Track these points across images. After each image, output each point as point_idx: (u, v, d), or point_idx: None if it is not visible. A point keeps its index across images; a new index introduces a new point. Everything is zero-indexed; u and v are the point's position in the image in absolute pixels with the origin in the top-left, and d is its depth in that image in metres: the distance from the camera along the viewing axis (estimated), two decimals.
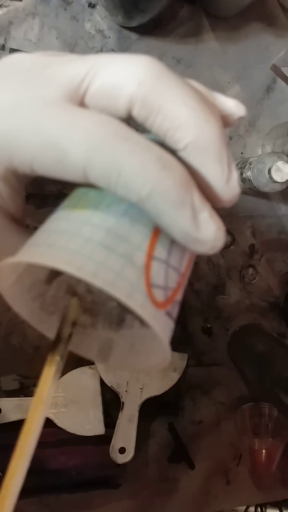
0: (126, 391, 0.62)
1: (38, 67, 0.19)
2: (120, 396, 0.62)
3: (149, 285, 0.18)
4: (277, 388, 0.61)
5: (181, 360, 0.65)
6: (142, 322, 0.24)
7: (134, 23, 0.61)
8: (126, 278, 0.18)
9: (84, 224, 0.19)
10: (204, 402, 0.69)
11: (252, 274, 0.71)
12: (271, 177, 0.55)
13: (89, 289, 0.24)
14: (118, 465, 0.60)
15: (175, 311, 0.20)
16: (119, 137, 0.18)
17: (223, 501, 0.68)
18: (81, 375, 0.62)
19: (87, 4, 0.62)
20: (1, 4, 0.60)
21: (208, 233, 0.18)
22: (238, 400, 0.69)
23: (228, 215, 0.68)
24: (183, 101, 0.18)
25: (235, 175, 0.19)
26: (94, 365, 0.62)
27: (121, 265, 0.18)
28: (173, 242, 0.20)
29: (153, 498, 0.65)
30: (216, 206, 0.20)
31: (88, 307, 0.24)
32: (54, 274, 0.24)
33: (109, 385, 0.62)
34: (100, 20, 0.62)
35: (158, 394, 0.63)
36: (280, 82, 0.68)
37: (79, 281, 0.24)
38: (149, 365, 0.22)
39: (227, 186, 0.19)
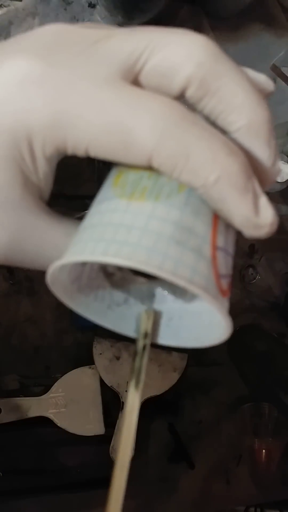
0: (126, 391, 0.62)
1: (85, 40, 0.18)
2: (120, 396, 0.62)
3: (218, 276, 0.19)
4: (277, 388, 0.61)
5: (181, 360, 0.65)
6: (175, 297, 0.25)
7: (134, 23, 0.61)
8: (201, 273, 0.18)
9: (149, 217, 0.18)
10: (204, 402, 0.69)
11: (252, 274, 0.71)
12: None
13: (119, 267, 0.24)
14: None
15: (230, 293, 0.21)
16: (188, 122, 0.17)
17: (223, 501, 0.68)
18: (81, 375, 0.62)
19: (87, 4, 0.62)
20: (1, 4, 0.60)
21: (266, 217, 0.18)
22: (238, 400, 0.69)
23: None
24: (239, 84, 0.18)
25: (278, 157, 0.20)
26: (94, 365, 0.62)
27: (194, 260, 0.18)
28: (227, 228, 0.20)
29: (153, 498, 0.65)
30: None
31: (119, 284, 0.25)
32: None
33: (109, 385, 0.62)
34: (100, 20, 0.62)
35: (158, 394, 0.63)
36: (280, 82, 0.68)
37: None
38: (206, 340, 0.23)
39: (273, 169, 0.19)
